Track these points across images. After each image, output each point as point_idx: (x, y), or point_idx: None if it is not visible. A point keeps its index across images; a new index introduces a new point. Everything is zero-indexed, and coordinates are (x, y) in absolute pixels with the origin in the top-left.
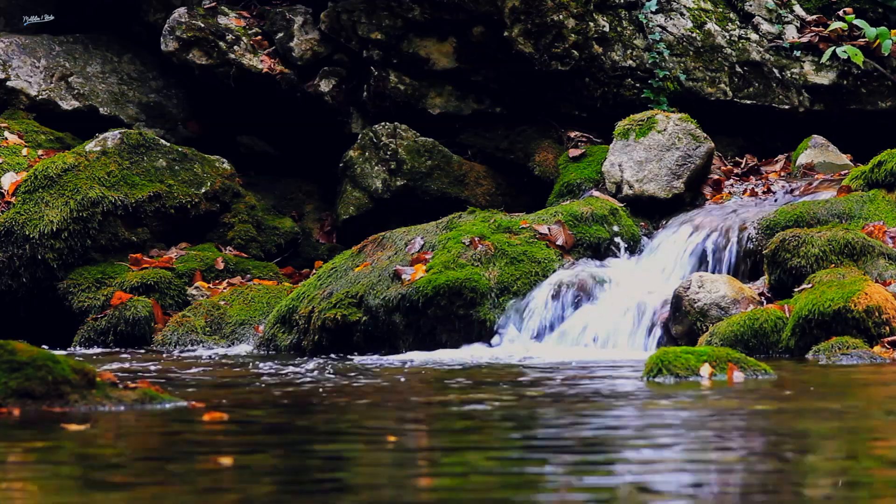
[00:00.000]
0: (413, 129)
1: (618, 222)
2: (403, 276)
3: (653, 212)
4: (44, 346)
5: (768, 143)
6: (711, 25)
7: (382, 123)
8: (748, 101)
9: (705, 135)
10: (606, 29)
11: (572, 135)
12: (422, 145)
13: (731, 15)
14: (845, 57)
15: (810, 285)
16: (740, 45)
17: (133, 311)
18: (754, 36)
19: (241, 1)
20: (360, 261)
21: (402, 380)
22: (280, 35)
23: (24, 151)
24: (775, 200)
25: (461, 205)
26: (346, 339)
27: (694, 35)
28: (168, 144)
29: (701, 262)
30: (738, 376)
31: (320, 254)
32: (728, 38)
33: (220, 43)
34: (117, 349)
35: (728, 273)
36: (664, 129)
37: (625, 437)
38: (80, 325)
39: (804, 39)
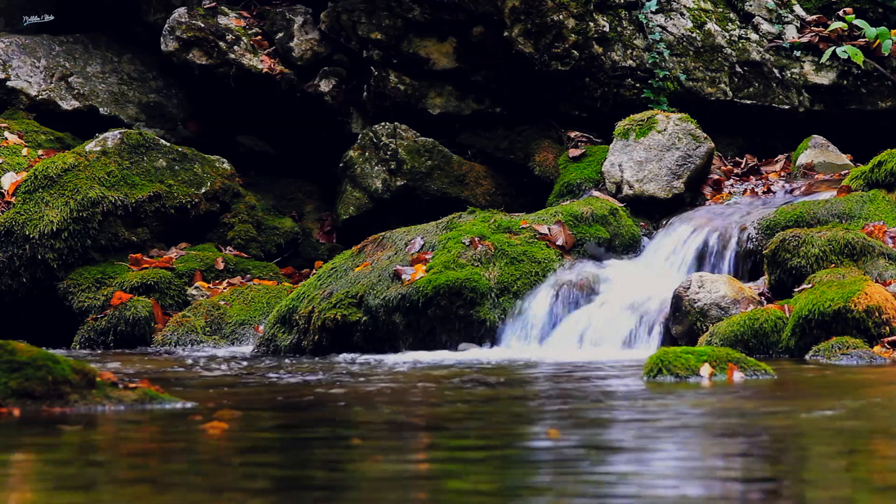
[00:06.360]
0: (413, 129)
1: (618, 222)
2: (403, 276)
3: (653, 212)
4: (44, 347)
5: (768, 143)
6: (711, 25)
7: (382, 123)
8: (748, 101)
9: (705, 135)
10: (606, 29)
11: (572, 135)
12: (422, 145)
13: (731, 15)
14: (845, 57)
15: (810, 285)
16: (740, 45)
17: (133, 311)
18: (754, 36)
19: (241, 1)
20: (360, 261)
21: (403, 381)
22: (280, 35)
23: (24, 151)
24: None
25: (461, 205)
26: (346, 339)
27: (694, 35)
28: (168, 144)
29: (701, 262)
30: (737, 376)
31: (320, 254)
32: (728, 38)
33: (220, 43)
34: (117, 349)
35: (728, 273)
36: (664, 129)
37: (624, 436)
38: (80, 325)
39: (804, 39)
